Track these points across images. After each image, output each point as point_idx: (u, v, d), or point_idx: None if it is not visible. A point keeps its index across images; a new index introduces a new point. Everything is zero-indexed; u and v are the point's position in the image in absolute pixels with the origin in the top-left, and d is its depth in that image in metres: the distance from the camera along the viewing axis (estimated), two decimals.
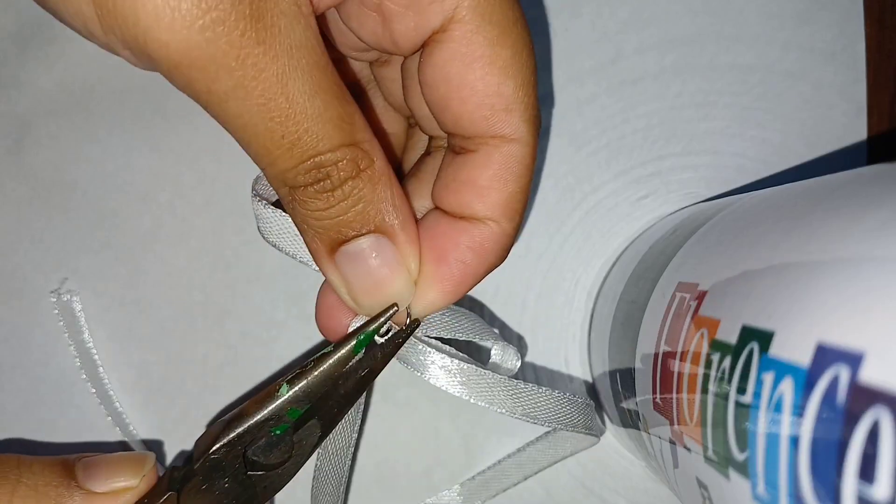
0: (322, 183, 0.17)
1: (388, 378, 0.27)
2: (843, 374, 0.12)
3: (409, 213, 0.19)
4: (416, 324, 0.19)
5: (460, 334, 0.21)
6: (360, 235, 0.18)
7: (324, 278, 0.19)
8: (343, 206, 0.17)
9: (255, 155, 0.17)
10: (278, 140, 0.16)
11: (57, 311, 0.26)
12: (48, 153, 0.26)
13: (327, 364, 0.19)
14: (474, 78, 0.17)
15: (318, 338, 0.27)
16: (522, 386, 0.21)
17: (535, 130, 0.19)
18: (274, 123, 0.16)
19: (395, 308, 0.19)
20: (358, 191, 0.17)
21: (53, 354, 0.26)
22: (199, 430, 0.26)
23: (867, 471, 0.11)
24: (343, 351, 0.19)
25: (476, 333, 0.21)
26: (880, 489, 0.11)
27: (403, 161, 0.23)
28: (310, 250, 0.19)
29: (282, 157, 0.16)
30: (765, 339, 0.14)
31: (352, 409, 0.20)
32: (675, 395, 0.18)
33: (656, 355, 0.19)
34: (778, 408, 0.13)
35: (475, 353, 0.25)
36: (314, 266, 0.19)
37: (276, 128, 0.16)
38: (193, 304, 0.26)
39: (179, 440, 0.27)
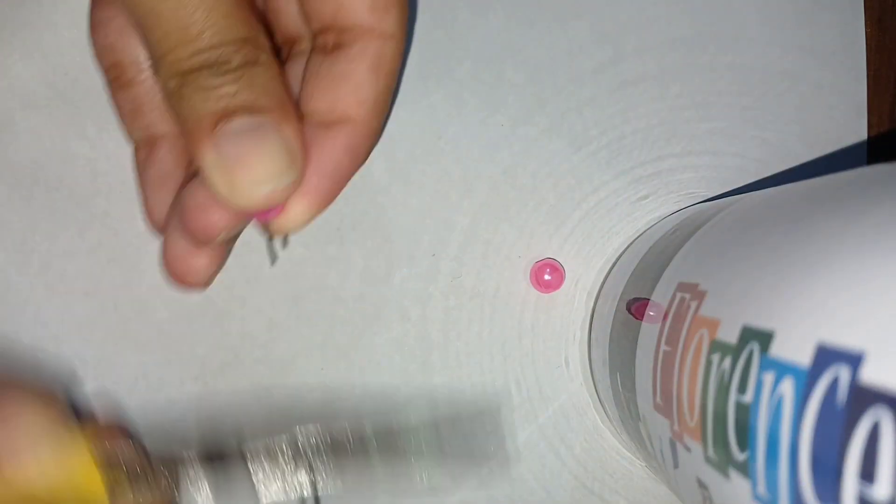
0: (216, 67, 0.18)
1: (388, 377, 0.27)
2: (844, 374, 0.12)
3: (296, 107, 0.19)
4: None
5: None
6: (247, 114, 0.18)
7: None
8: (235, 86, 0.18)
9: (157, 41, 0.17)
10: (183, 28, 0.17)
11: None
12: (29, 150, 0.26)
13: None
14: None
15: (319, 337, 0.27)
16: None
17: (404, 28, 0.20)
18: (170, 12, 0.17)
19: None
20: (251, 76, 0.18)
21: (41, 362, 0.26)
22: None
23: (867, 471, 0.11)
24: None
25: None
26: (881, 489, 0.11)
27: None
28: (190, 136, 0.18)
29: (182, 44, 0.17)
30: (765, 339, 0.14)
31: None
32: (675, 395, 0.18)
33: (656, 355, 0.19)
34: (778, 408, 0.13)
35: None
36: None
37: (183, 17, 0.17)
38: (191, 305, 0.26)
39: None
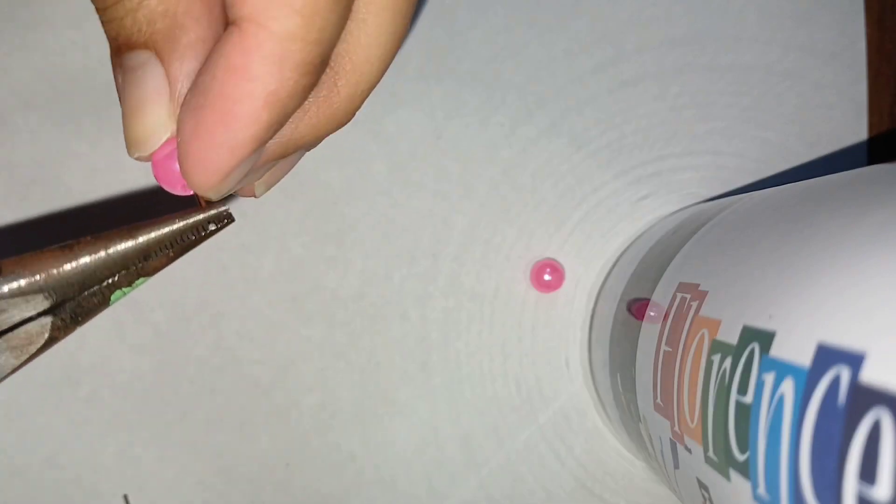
0: None
1: (388, 377, 0.27)
2: (844, 374, 0.12)
3: (197, 44, 0.15)
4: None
5: None
6: (138, 49, 0.15)
7: None
8: (126, 7, 0.15)
9: None
10: None
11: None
12: (27, 148, 0.26)
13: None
14: None
15: (320, 337, 0.27)
16: None
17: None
18: None
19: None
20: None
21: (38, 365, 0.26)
22: (196, 434, 0.26)
23: (868, 471, 0.11)
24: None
25: None
26: (881, 489, 0.10)
27: None
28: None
29: None
30: (765, 339, 0.14)
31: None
32: (675, 396, 0.18)
33: (657, 356, 0.19)
34: (779, 408, 0.13)
35: None
36: None
37: None
38: (189, 305, 0.26)
39: (178, 443, 0.26)
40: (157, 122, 0.16)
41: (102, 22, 0.16)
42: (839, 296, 0.12)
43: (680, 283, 0.19)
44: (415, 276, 0.27)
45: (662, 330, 0.19)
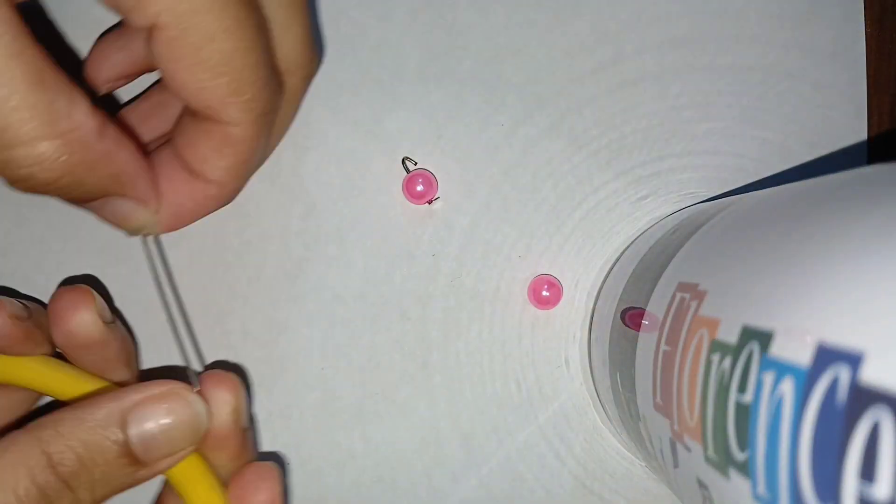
0: (29, 182, 0.18)
1: (388, 377, 0.27)
2: (844, 374, 0.12)
3: (138, 173, 0.20)
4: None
5: None
6: (93, 200, 0.20)
7: None
8: (63, 192, 0.19)
9: None
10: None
11: None
12: None
13: None
14: (185, 76, 0.19)
15: (321, 336, 0.27)
16: None
17: (255, 117, 0.20)
18: None
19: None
20: (73, 183, 0.19)
21: None
22: None
23: (868, 470, 0.11)
24: None
25: None
26: (881, 489, 0.11)
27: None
28: None
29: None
30: (765, 339, 0.14)
31: None
32: (675, 395, 0.18)
33: (656, 355, 0.19)
34: (778, 408, 0.13)
35: None
36: None
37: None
38: (194, 304, 0.26)
39: None
40: (145, 221, 0.22)
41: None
42: (839, 295, 0.13)
43: (679, 283, 0.19)
44: (415, 276, 0.27)
45: (662, 329, 0.19)
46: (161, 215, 0.22)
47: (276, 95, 0.21)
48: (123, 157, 0.20)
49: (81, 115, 0.18)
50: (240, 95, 0.19)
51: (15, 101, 0.16)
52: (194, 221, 0.23)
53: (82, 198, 0.20)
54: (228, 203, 0.23)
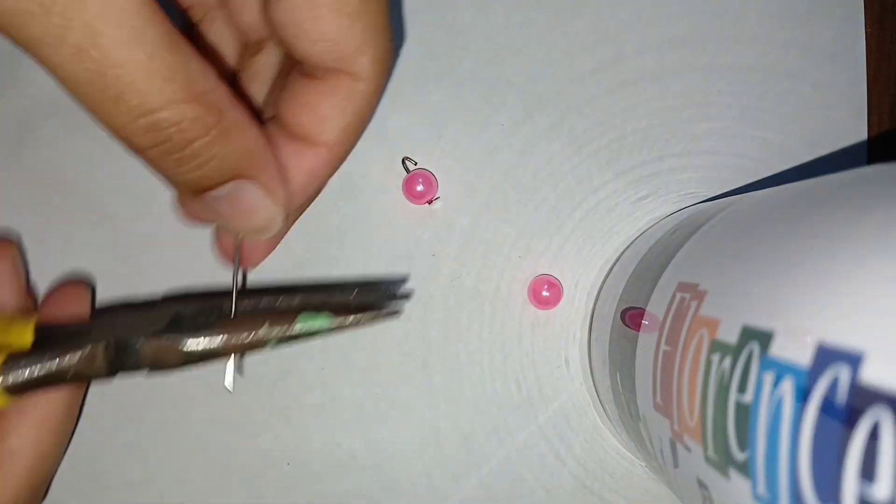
0: (164, 145, 0.16)
1: (389, 377, 0.27)
2: (844, 374, 0.12)
3: (266, 154, 0.19)
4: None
5: None
6: (222, 183, 0.18)
7: None
8: (195, 163, 0.17)
9: (87, 109, 0.16)
10: (101, 95, 0.15)
11: None
12: (48, 153, 0.26)
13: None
14: (321, 24, 0.18)
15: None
16: None
17: (381, 70, 0.19)
18: (92, 76, 0.15)
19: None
20: (208, 149, 0.17)
21: None
22: (200, 432, 0.26)
23: (868, 470, 0.11)
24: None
25: None
26: (881, 489, 0.11)
27: (248, 82, 0.23)
28: (176, 194, 0.19)
29: (111, 113, 0.16)
30: (765, 339, 0.14)
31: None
32: (675, 395, 0.18)
33: (656, 355, 0.19)
34: (778, 408, 0.13)
35: None
36: None
37: (95, 80, 0.15)
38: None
39: (181, 441, 0.27)
40: (272, 215, 0.20)
41: (172, 179, 0.18)
42: (839, 295, 0.13)
43: (679, 283, 0.19)
44: (415, 276, 0.27)
45: (662, 329, 0.19)
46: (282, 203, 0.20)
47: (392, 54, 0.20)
48: (253, 131, 0.18)
49: (214, 79, 0.17)
50: (372, 45, 0.19)
51: (157, 63, 0.15)
52: (305, 200, 0.21)
53: (212, 177, 0.18)
54: (336, 171, 0.21)
